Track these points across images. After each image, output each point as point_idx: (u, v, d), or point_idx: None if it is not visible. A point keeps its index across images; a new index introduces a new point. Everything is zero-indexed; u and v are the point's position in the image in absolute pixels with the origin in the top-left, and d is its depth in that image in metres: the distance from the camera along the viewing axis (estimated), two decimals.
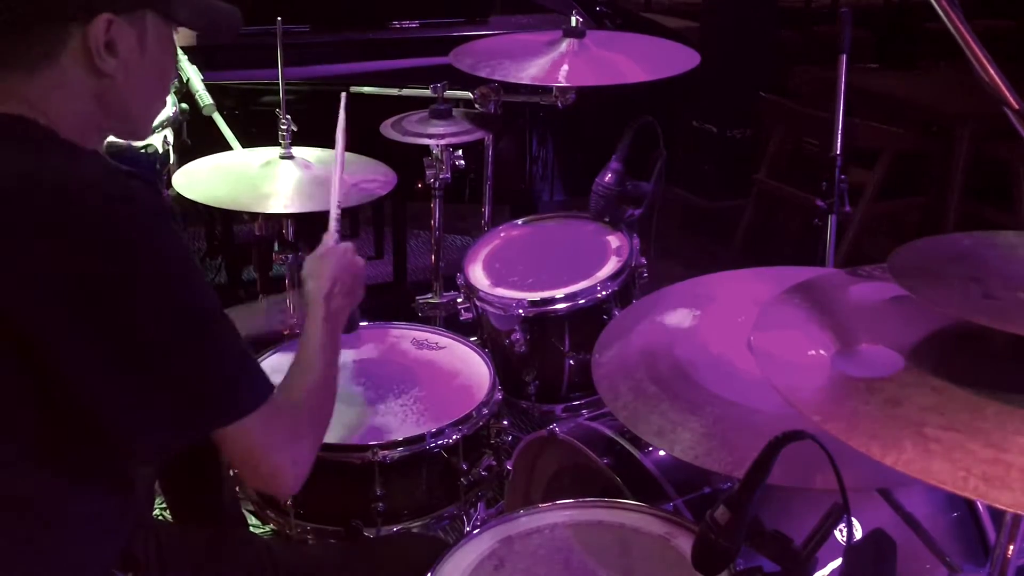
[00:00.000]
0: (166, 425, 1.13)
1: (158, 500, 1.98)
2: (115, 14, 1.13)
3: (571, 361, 2.01)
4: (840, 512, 1.03)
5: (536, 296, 2.00)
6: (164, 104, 1.31)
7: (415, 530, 1.69)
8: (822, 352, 1.06)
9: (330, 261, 1.52)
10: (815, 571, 1.06)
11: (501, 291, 2.04)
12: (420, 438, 1.65)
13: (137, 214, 1.08)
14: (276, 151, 2.12)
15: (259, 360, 1.87)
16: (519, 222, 2.33)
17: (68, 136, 1.15)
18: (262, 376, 1.20)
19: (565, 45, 2.18)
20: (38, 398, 1.09)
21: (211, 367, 1.13)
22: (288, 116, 2.09)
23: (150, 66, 1.20)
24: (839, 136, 1.97)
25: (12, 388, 1.09)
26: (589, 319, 1.98)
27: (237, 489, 1.81)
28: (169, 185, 2.21)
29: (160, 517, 2.00)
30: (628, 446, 1.62)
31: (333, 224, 1.65)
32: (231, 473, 1.75)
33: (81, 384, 1.08)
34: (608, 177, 2.08)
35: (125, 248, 1.06)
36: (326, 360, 1.36)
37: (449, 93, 2.27)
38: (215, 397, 1.14)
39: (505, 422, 1.80)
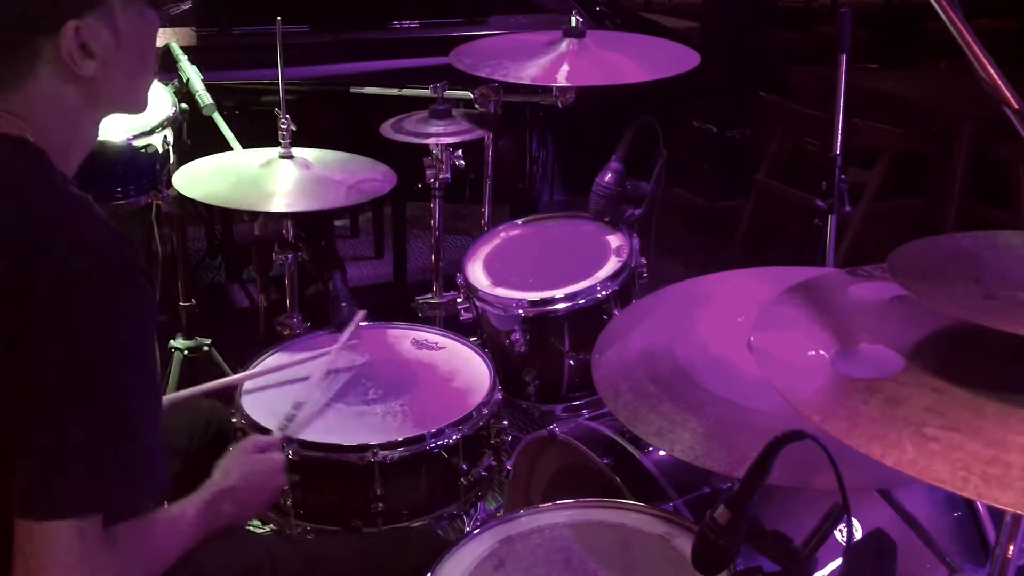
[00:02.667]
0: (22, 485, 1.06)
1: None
2: (80, 18, 1.11)
3: (571, 361, 2.01)
4: (840, 512, 1.03)
5: (536, 296, 2.00)
6: (154, 76, 1.29)
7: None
8: (822, 352, 1.06)
9: (246, 467, 1.43)
10: (815, 571, 1.05)
11: (501, 291, 2.04)
12: (420, 438, 1.65)
13: (96, 273, 1.06)
14: (276, 151, 2.12)
15: (257, 361, 1.88)
16: (519, 222, 2.33)
17: (58, 145, 1.14)
18: (119, 487, 1.09)
19: (565, 45, 2.18)
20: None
21: (77, 446, 1.06)
22: (288, 116, 2.09)
23: (130, 52, 1.18)
24: (839, 136, 1.97)
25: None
26: (589, 319, 1.98)
27: None
28: (169, 185, 2.21)
29: None
30: (628, 446, 1.62)
31: (277, 432, 1.60)
32: None
33: None
34: (608, 177, 2.08)
35: (67, 305, 1.04)
36: (174, 546, 1.24)
37: (449, 93, 2.26)
38: (41, 480, 1.06)
39: (505, 422, 1.80)
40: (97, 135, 1.26)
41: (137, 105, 1.28)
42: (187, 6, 3.31)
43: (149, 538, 1.19)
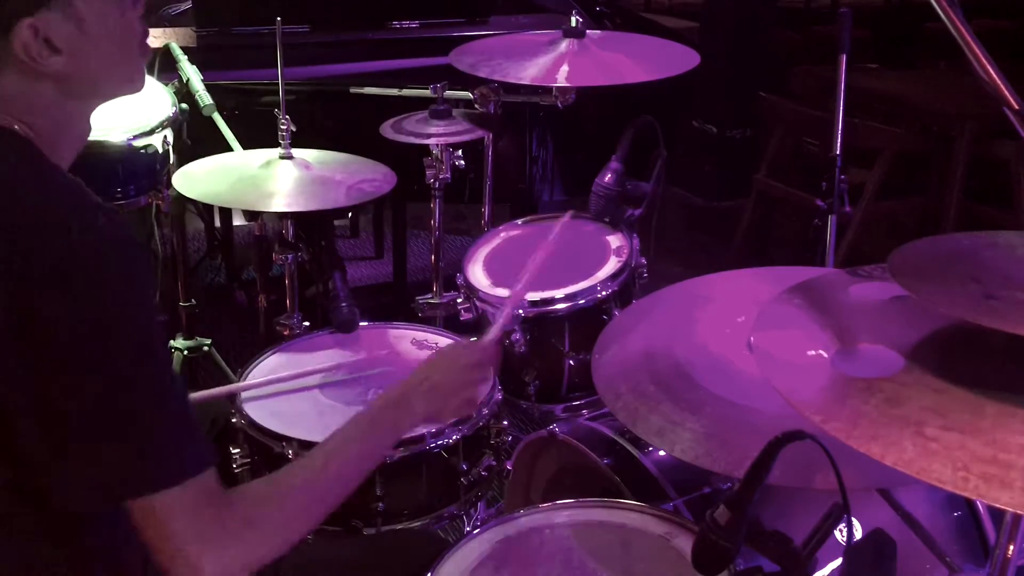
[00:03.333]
0: (82, 481, 1.02)
1: None
2: (33, 15, 1.06)
3: (571, 361, 2.01)
4: (840, 512, 1.03)
5: (536, 296, 2.00)
6: (145, 54, 1.21)
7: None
8: (822, 352, 1.06)
9: (444, 362, 1.37)
10: (815, 571, 1.05)
11: (501, 291, 2.04)
12: (420, 438, 1.65)
13: (97, 253, 1.03)
14: (276, 151, 2.12)
15: (256, 361, 1.88)
16: (519, 222, 2.33)
17: (47, 139, 1.12)
18: (197, 449, 1.06)
19: (565, 45, 2.18)
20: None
21: (133, 424, 1.02)
22: (287, 116, 2.09)
23: (102, 40, 1.13)
24: (839, 136, 1.97)
25: None
26: (589, 319, 1.98)
27: None
28: (169, 185, 2.21)
29: None
30: (628, 446, 1.63)
31: (497, 327, 1.49)
32: (235, 470, 1.74)
33: (14, 424, 1.01)
34: (608, 177, 2.08)
35: (73, 287, 1.01)
36: (345, 466, 1.21)
37: (449, 93, 2.27)
38: (131, 461, 1.02)
39: (505, 422, 1.80)
40: (90, 128, 1.21)
41: (130, 86, 1.21)
42: (187, 6, 3.31)
43: (273, 494, 1.14)
